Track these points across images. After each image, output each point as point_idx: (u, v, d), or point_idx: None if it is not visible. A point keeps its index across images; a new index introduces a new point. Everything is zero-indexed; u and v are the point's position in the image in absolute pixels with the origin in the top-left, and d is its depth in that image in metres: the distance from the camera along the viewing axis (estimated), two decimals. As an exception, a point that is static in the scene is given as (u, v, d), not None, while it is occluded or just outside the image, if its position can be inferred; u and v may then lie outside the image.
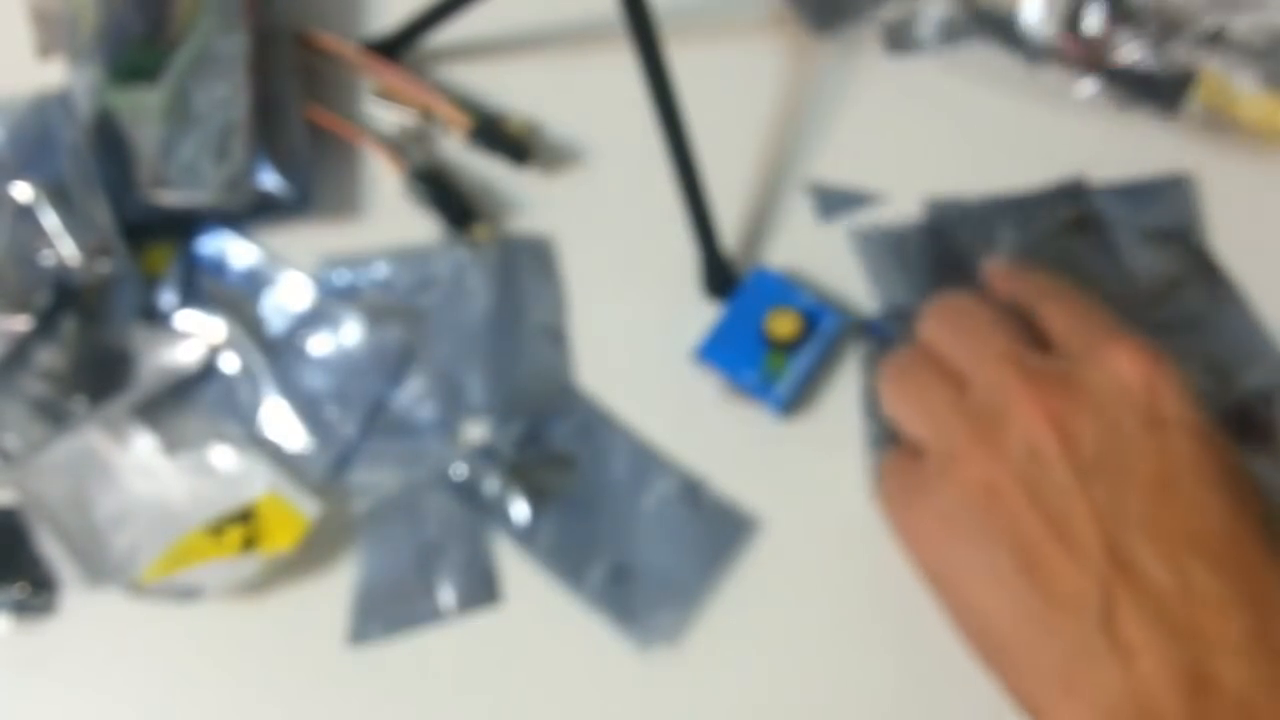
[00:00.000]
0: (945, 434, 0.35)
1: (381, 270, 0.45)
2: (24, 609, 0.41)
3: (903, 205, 0.45)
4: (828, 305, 0.42)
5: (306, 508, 0.41)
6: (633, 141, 0.44)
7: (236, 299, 0.45)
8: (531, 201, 0.46)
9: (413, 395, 0.43)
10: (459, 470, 0.42)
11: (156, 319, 0.44)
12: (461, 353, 0.44)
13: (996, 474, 0.34)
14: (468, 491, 0.42)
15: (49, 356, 0.43)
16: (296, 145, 0.45)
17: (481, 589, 0.41)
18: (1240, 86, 0.43)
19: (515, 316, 0.44)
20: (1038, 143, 0.46)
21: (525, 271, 0.45)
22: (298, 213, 0.45)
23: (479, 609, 0.41)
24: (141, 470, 0.42)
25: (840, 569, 0.41)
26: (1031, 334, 0.37)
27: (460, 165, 0.46)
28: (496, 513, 0.42)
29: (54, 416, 0.43)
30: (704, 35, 0.48)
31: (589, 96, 0.47)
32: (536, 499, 0.42)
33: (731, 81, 0.47)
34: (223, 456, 0.42)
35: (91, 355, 0.43)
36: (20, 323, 0.43)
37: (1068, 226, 0.43)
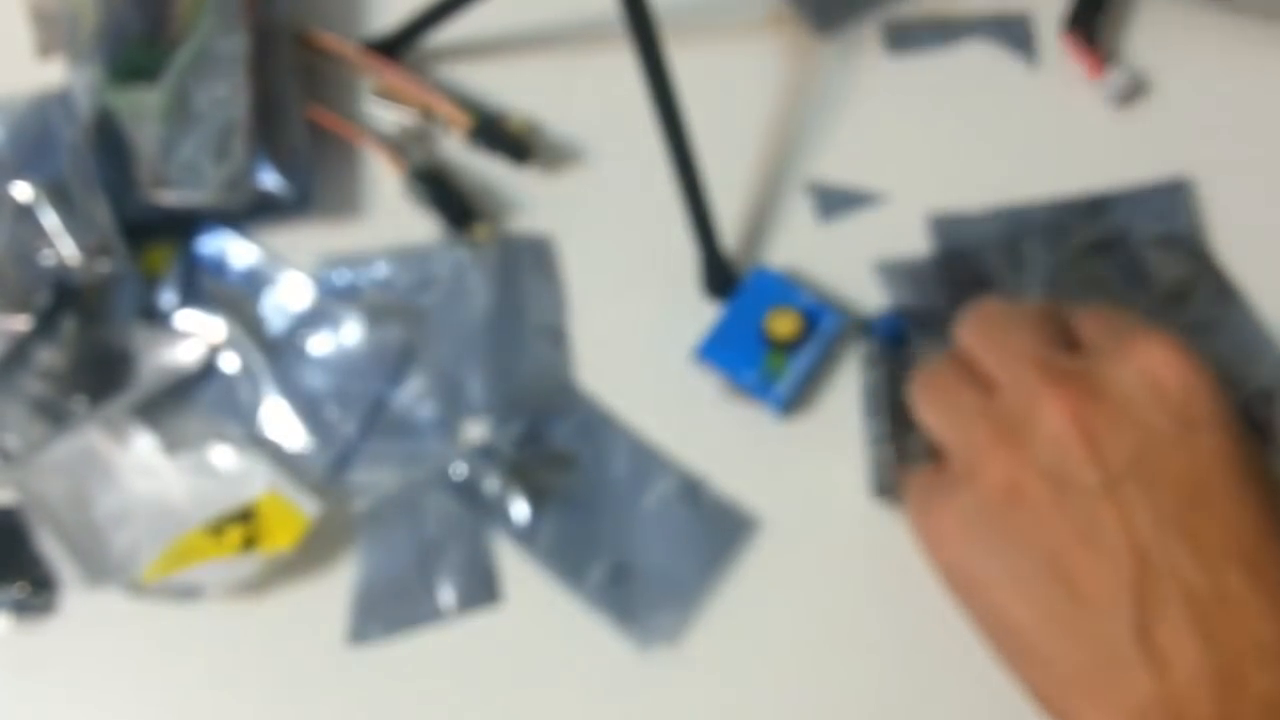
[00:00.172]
0: (969, 436, 0.35)
1: (381, 270, 0.45)
2: (24, 609, 0.41)
3: (903, 205, 0.45)
4: (828, 305, 0.42)
5: (306, 507, 0.41)
6: (633, 141, 0.44)
7: (236, 299, 0.45)
8: (531, 201, 0.46)
9: (413, 395, 0.43)
10: (459, 470, 0.42)
11: (156, 319, 0.44)
12: (461, 352, 0.44)
13: (1021, 477, 0.33)
14: (468, 491, 0.42)
15: (49, 356, 0.43)
16: (296, 145, 0.45)
17: (481, 589, 0.41)
18: None
19: (515, 316, 0.44)
20: (1038, 143, 0.46)
21: (525, 271, 0.45)
22: (298, 212, 0.45)
23: (479, 609, 0.41)
24: (141, 470, 0.42)
25: (840, 569, 0.41)
26: (1065, 337, 0.36)
27: (460, 165, 0.46)
28: (496, 512, 0.42)
29: (54, 416, 0.43)
30: (704, 35, 0.48)
31: (589, 96, 0.47)
32: (536, 499, 0.42)
33: (731, 81, 0.47)
34: (223, 456, 0.42)
35: (91, 355, 0.43)
36: (20, 323, 0.43)
37: (1094, 246, 0.43)
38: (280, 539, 0.40)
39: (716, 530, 0.41)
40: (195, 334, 0.44)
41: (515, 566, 0.41)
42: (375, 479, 0.42)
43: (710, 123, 0.43)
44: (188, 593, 0.41)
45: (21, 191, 0.44)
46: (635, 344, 0.44)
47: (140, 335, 0.43)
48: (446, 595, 0.41)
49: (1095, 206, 0.44)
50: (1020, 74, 0.47)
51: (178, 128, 0.43)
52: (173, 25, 0.45)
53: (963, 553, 0.34)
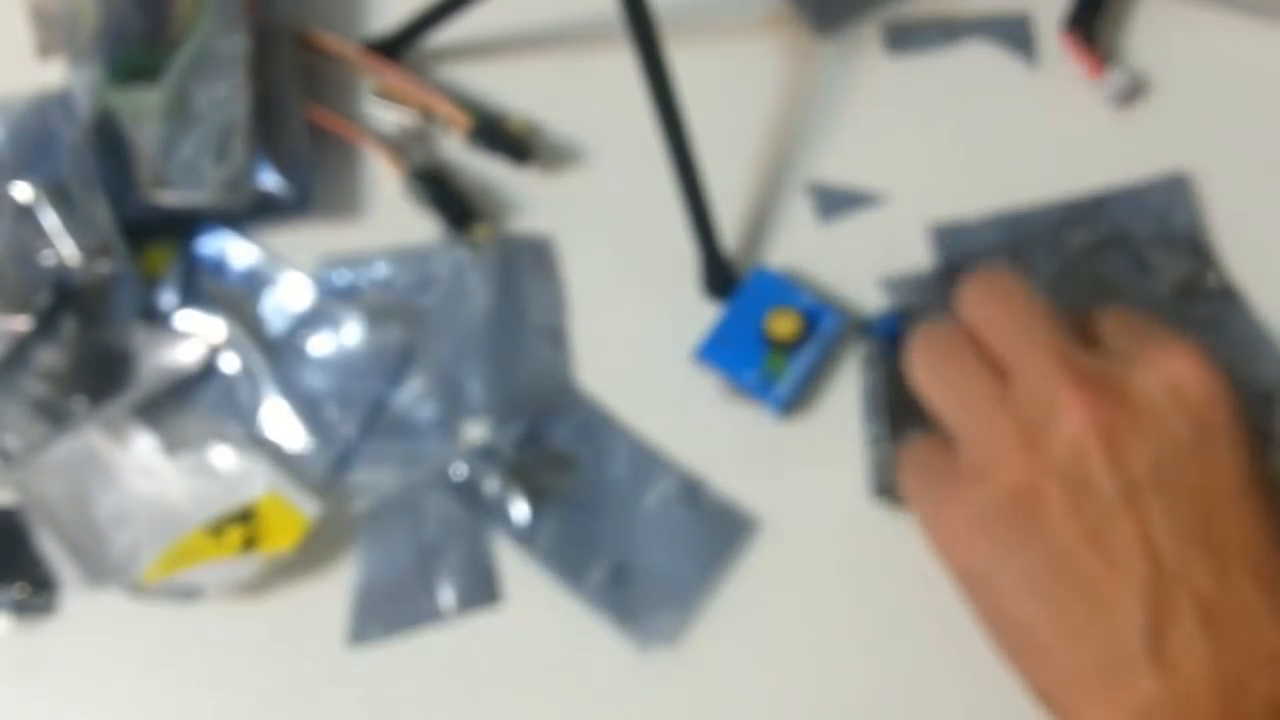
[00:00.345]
0: (986, 432, 0.34)
1: (381, 270, 0.45)
2: (24, 609, 0.41)
3: (903, 206, 0.45)
4: (828, 305, 0.42)
5: (306, 508, 0.41)
6: (633, 141, 0.44)
7: (236, 299, 0.45)
8: (531, 201, 0.46)
9: (413, 395, 0.43)
10: (459, 470, 0.42)
11: (156, 319, 0.44)
12: (461, 353, 0.44)
13: (1039, 480, 0.32)
14: (468, 491, 0.42)
15: (49, 356, 0.43)
16: (296, 145, 0.45)
17: (481, 589, 0.41)
18: None
19: (515, 316, 0.44)
20: (1038, 143, 0.46)
21: (525, 271, 0.45)
22: (298, 213, 0.45)
23: (479, 609, 0.41)
24: (141, 470, 0.42)
25: (840, 569, 0.41)
26: (1082, 330, 0.36)
27: (460, 165, 0.46)
28: (496, 513, 0.42)
29: (54, 416, 0.43)
30: (704, 35, 0.48)
31: (589, 96, 0.47)
32: (536, 499, 0.42)
33: (731, 81, 0.47)
34: (223, 456, 0.42)
35: (91, 355, 0.43)
36: (20, 323, 0.43)
37: (1096, 246, 0.43)
38: (280, 540, 0.40)
39: (716, 531, 0.41)
40: (195, 334, 0.44)
41: (515, 567, 0.41)
42: (375, 479, 0.42)
43: (710, 123, 0.42)
44: (188, 593, 0.41)
45: (21, 191, 0.44)
46: (635, 344, 0.44)
47: (140, 335, 0.43)
48: (446, 596, 0.41)
49: (1095, 206, 0.44)
50: (1020, 74, 0.47)
51: (178, 128, 0.43)
52: (173, 25, 0.45)
53: (973, 549, 0.34)
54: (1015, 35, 0.47)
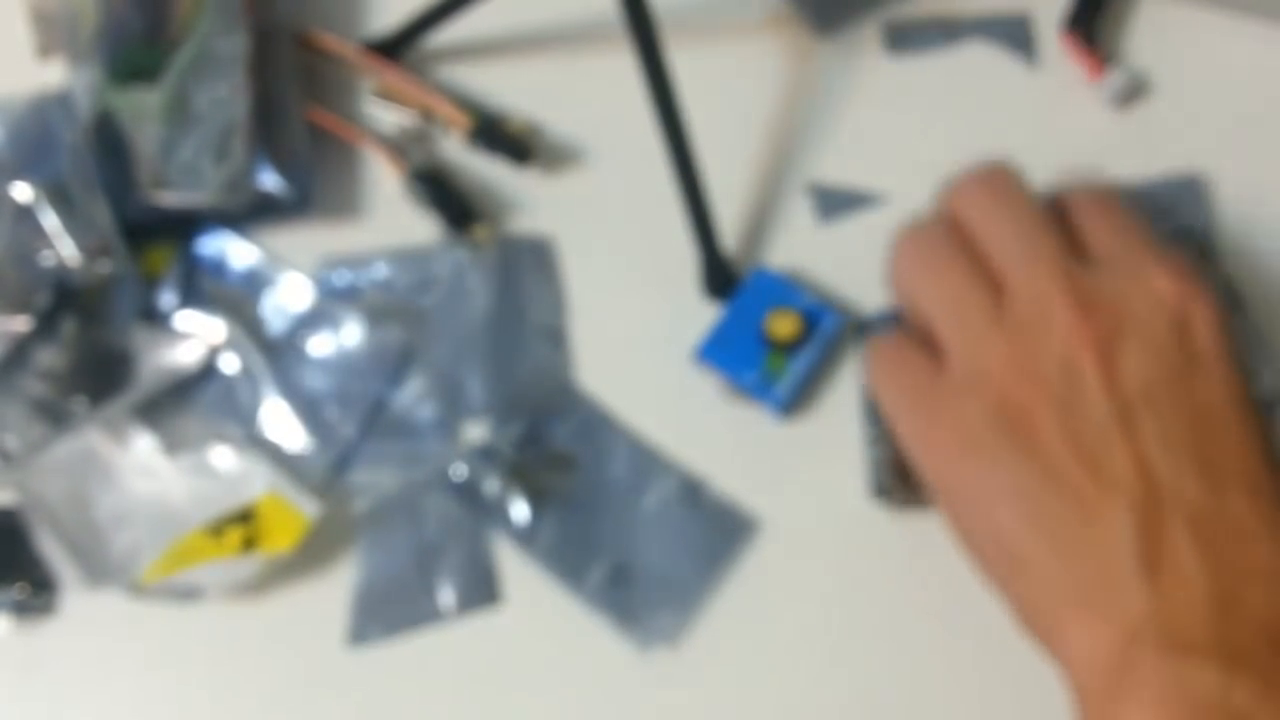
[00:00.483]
0: (978, 347, 0.34)
1: (381, 270, 0.45)
2: (24, 609, 0.41)
3: (903, 206, 0.45)
4: (828, 305, 0.42)
5: (306, 508, 0.41)
6: (633, 141, 0.44)
7: (236, 299, 0.45)
8: (531, 201, 0.46)
9: (413, 395, 0.43)
10: (459, 470, 0.42)
11: (156, 319, 0.44)
12: (461, 353, 0.44)
13: (1031, 397, 0.32)
14: (468, 492, 0.42)
15: (49, 357, 0.43)
16: (296, 145, 0.45)
17: (481, 589, 0.41)
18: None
19: (515, 316, 0.44)
20: (1039, 143, 0.45)
21: (525, 271, 0.45)
22: (298, 213, 0.45)
23: (479, 609, 0.41)
24: (141, 470, 0.42)
25: (840, 570, 0.41)
26: (1072, 236, 0.35)
27: (460, 165, 0.46)
28: (496, 513, 0.42)
29: (54, 416, 0.43)
30: (704, 35, 0.48)
31: (589, 96, 0.47)
32: (536, 499, 0.42)
33: (731, 81, 0.47)
34: (223, 457, 0.42)
35: (91, 355, 0.43)
36: (20, 323, 0.43)
37: None
38: (280, 540, 0.40)
39: (716, 531, 0.41)
40: (195, 335, 0.44)
41: (515, 567, 0.41)
42: (375, 480, 0.42)
43: (710, 123, 0.42)
44: (188, 593, 0.41)
45: (21, 192, 0.44)
46: (635, 344, 0.44)
47: (140, 336, 0.43)
48: (446, 596, 0.41)
49: None
50: (1020, 74, 0.47)
51: (178, 128, 0.43)
52: (173, 26, 0.45)
53: (959, 465, 0.33)
54: (1015, 35, 0.47)
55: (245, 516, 0.41)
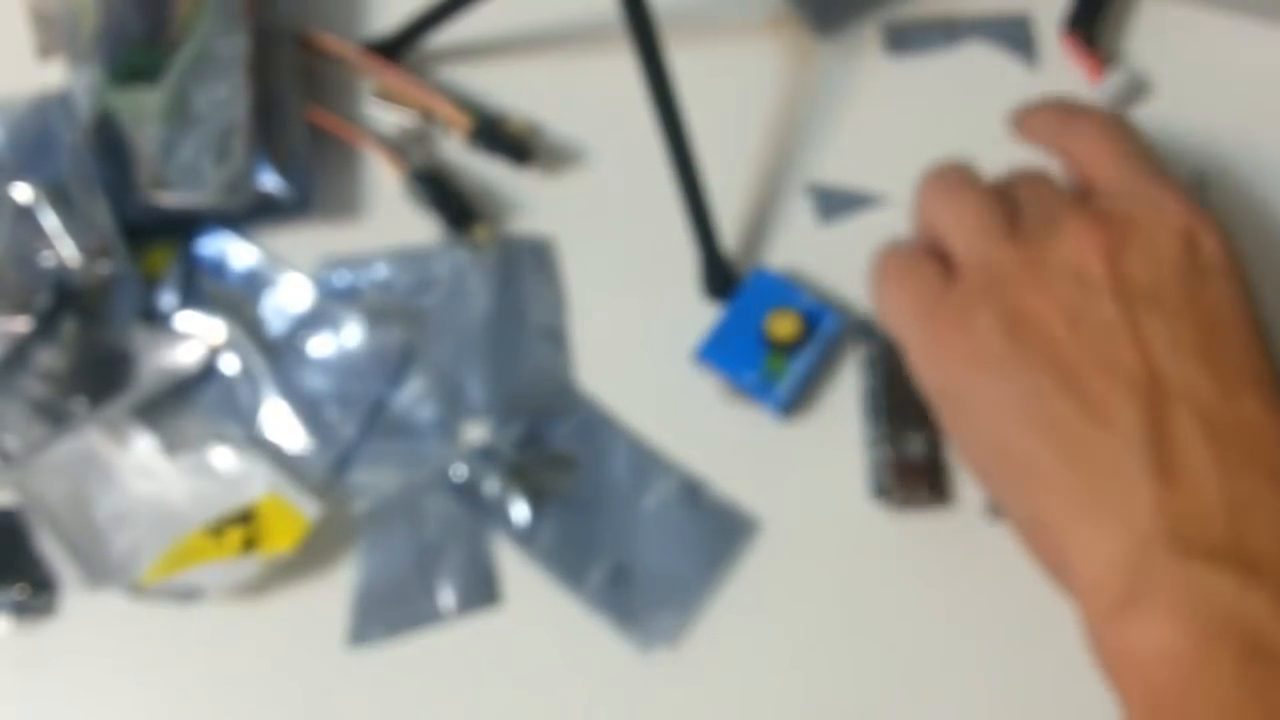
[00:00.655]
0: (993, 256, 0.34)
1: (381, 271, 0.45)
2: (24, 609, 0.41)
3: (903, 206, 0.45)
4: (828, 306, 0.42)
5: (306, 508, 0.41)
6: (633, 141, 0.44)
7: (236, 300, 0.45)
8: (531, 202, 0.46)
9: (413, 395, 0.43)
10: (459, 471, 0.42)
11: (156, 320, 0.44)
12: (461, 353, 0.44)
13: (1042, 300, 0.33)
14: (468, 492, 0.42)
15: (49, 357, 0.43)
16: (296, 146, 0.45)
17: (481, 590, 0.41)
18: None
19: (515, 316, 0.44)
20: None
21: (525, 272, 0.45)
22: (298, 213, 0.45)
23: (479, 610, 0.41)
24: (141, 471, 0.42)
25: (840, 570, 0.41)
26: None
27: (460, 166, 0.46)
28: (496, 513, 0.42)
29: (54, 417, 0.43)
30: (704, 35, 0.48)
31: (589, 96, 0.47)
32: (536, 499, 0.42)
33: (731, 81, 0.47)
34: (223, 457, 0.42)
35: (91, 356, 0.43)
36: (20, 323, 0.43)
37: None
38: (280, 541, 0.40)
39: (717, 531, 0.41)
40: (195, 335, 0.44)
41: (515, 568, 0.41)
42: (375, 480, 0.42)
43: (710, 123, 0.43)
44: (188, 594, 0.41)
45: (21, 192, 0.44)
46: (635, 344, 0.44)
47: (140, 336, 0.43)
48: (446, 596, 0.41)
49: None
50: (1020, 75, 0.47)
51: (177, 129, 0.43)
52: (173, 26, 0.45)
53: (968, 374, 0.34)
54: (1015, 36, 0.47)
55: (245, 517, 0.41)
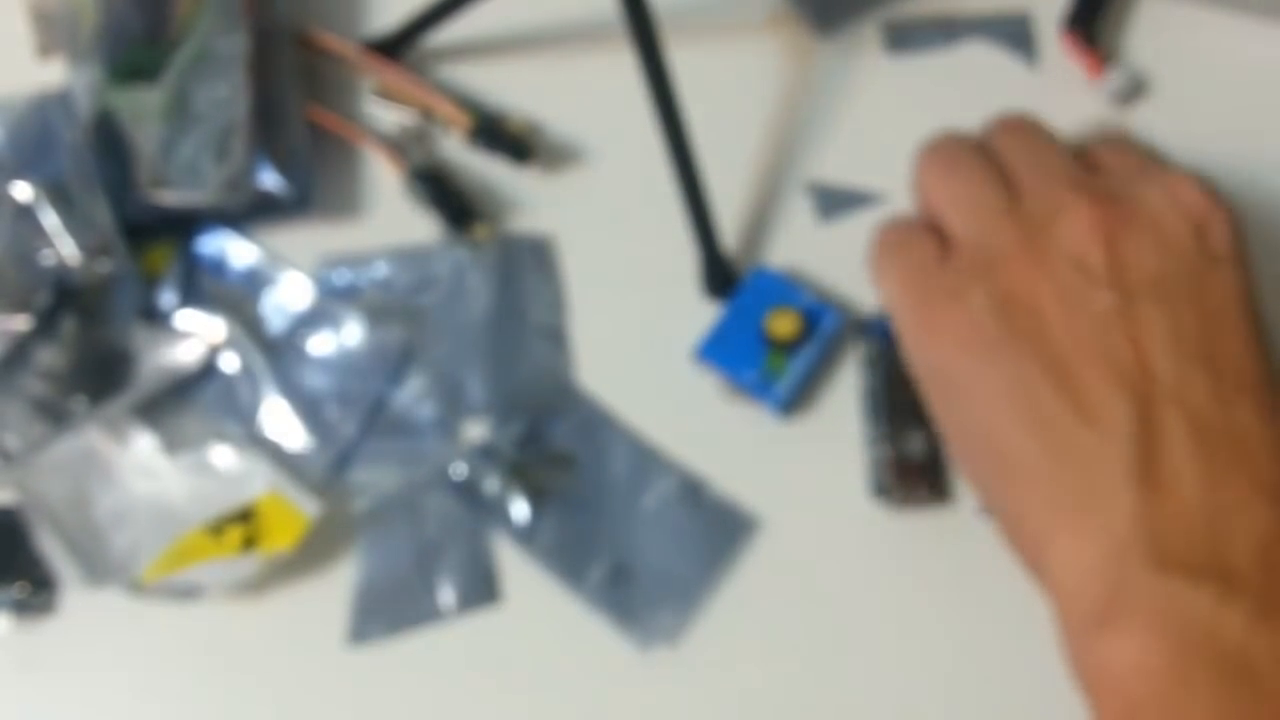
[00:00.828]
0: (990, 235, 0.33)
1: (381, 270, 0.45)
2: (24, 609, 0.41)
3: (903, 205, 0.45)
4: (828, 305, 0.42)
5: (307, 507, 0.41)
6: (633, 141, 0.44)
7: (236, 299, 0.45)
8: (531, 201, 0.46)
9: (413, 395, 0.43)
10: (459, 470, 0.42)
11: (156, 319, 0.44)
12: (461, 352, 0.44)
13: (1038, 285, 0.31)
14: (468, 491, 0.42)
15: (49, 356, 0.43)
16: (296, 145, 0.45)
17: (481, 589, 0.41)
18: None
19: (515, 316, 0.44)
20: (1038, 142, 0.46)
21: (525, 271, 0.45)
22: (298, 212, 0.45)
23: (479, 609, 0.41)
24: (141, 470, 0.42)
25: (840, 569, 0.41)
26: (1087, 163, 0.35)
27: (460, 165, 0.46)
28: (496, 512, 0.42)
29: (54, 416, 0.43)
30: (704, 35, 0.48)
31: (589, 96, 0.47)
32: (536, 499, 0.42)
33: (731, 81, 0.47)
34: (223, 456, 0.42)
35: (91, 355, 0.43)
36: (20, 323, 0.43)
37: None
38: (280, 539, 0.40)
39: (716, 530, 0.41)
40: (195, 334, 0.44)
41: (515, 566, 0.41)
42: (375, 479, 0.42)
43: (710, 123, 0.43)
44: (188, 593, 0.41)
45: (21, 191, 0.44)
46: (635, 344, 0.44)
47: (140, 335, 0.43)
48: (446, 595, 0.41)
49: None
50: (1020, 74, 0.47)
51: (178, 128, 0.43)
52: (173, 25, 0.45)
53: (958, 355, 0.32)
54: (1015, 35, 0.47)
55: (245, 516, 0.41)
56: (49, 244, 0.43)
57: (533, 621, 0.41)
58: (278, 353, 0.44)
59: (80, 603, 0.41)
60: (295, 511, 0.41)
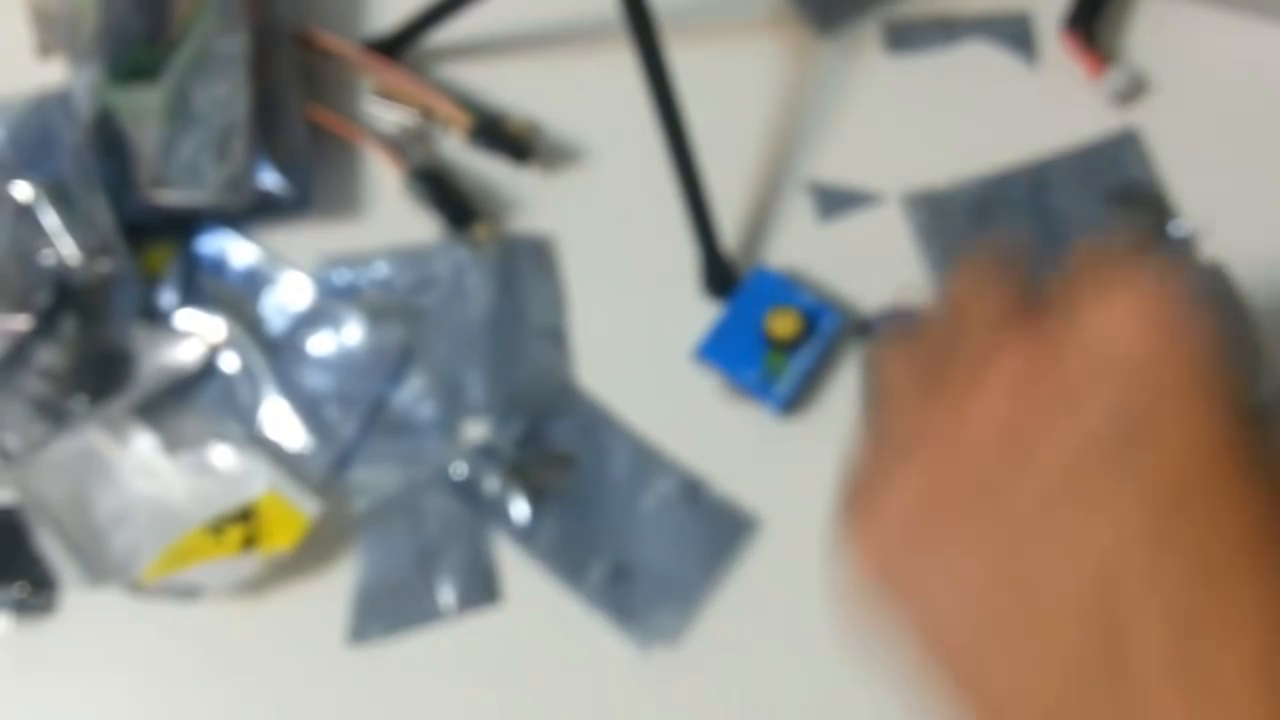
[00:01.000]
0: (906, 418, 0.29)
1: (381, 270, 0.45)
2: (24, 609, 0.41)
3: (903, 206, 0.45)
4: (828, 305, 0.42)
5: (306, 507, 0.41)
6: (633, 141, 0.44)
7: (236, 298, 0.45)
8: (531, 201, 0.46)
9: (413, 395, 0.43)
10: (459, 470, 0.42)
11: (156, 319, 0.44)
12: (461, 352, 0.44)
13: (962, 473, 0.27)
14: (468, 491, 0.42)
15: (49, 356, 0.43)
16: (296, 145, 0.45)
17: (481, 589, 0.41)
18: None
19: (515, 316, 0.44)
20: (1038, 142, 0.45)
21: (525, 271, 0.45)
22: (298, 212, 0.45)
23: (479, 609, 0.41)
24: (141, 470, 0.42)
25: (840, 569, 0.41)
26: (1042, 290, 0.29)
27: (460, 165, 0.46)
28: (496, 512, 0.42)
29: (54, 416, 0.43)
30: (704, 35, 0.48)
31: (589, 96, 0.47)
32: (536, 498, 0.42)
33: (731, 81, 0.47)
34: (223, 456, 0.42)
35: (91, 355, 0.43)
36: (20, 322, 0.43)
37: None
38: (280, 539, 0.40)
39: (716, 530, 0.41)
40: (195, 334, 0.44)
41: (515, 566, 0.41)
42: (375, 479, 0.42)
43: (710, 123, 0.42)
44: (188, 593, 0.41)
45: (21, 191, 0.44)
46: (635, 344, 0.44)
47: (140, 335, 0.43)
48: (446, 595, 0.41)
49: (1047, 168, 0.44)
50: (1020, 74, 0.47)
51: (178, 128, 0.43)
52: (173, 25, 0.45)
53: (895, 554, 0.28)
54: (1015, 35, 0.47)
55: (245, 515, 0.41)
56: (49, 243, 0.43)
57: (533, 621, 0.41)
58: (278, 353, 0.44)
59: (80, 602, 0.41)
60: (295, 511, 0.41)
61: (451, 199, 0.45)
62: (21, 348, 0.43)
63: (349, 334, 0.44)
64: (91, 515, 0.42)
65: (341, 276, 0.45)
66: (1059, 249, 0.43)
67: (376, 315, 0.44)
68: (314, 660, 0.41)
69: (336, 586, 0.41)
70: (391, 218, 0.46)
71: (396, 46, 0.47)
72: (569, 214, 0.46)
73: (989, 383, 0.27)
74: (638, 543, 0.41)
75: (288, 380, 0.43)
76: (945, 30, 0.47)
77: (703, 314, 0.43)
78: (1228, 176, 0.44)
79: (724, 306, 0.42)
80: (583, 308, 0.44)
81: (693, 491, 0.41)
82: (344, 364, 0.44)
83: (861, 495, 0.30)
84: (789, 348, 0.42)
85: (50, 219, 0.43)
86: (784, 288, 0.42)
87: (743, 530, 0.41)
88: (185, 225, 0.45)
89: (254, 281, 0.45)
